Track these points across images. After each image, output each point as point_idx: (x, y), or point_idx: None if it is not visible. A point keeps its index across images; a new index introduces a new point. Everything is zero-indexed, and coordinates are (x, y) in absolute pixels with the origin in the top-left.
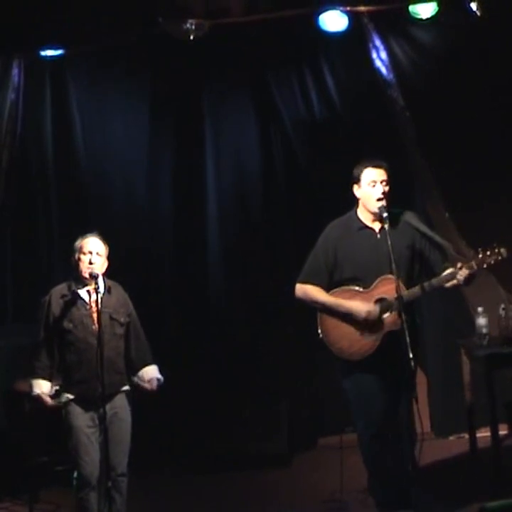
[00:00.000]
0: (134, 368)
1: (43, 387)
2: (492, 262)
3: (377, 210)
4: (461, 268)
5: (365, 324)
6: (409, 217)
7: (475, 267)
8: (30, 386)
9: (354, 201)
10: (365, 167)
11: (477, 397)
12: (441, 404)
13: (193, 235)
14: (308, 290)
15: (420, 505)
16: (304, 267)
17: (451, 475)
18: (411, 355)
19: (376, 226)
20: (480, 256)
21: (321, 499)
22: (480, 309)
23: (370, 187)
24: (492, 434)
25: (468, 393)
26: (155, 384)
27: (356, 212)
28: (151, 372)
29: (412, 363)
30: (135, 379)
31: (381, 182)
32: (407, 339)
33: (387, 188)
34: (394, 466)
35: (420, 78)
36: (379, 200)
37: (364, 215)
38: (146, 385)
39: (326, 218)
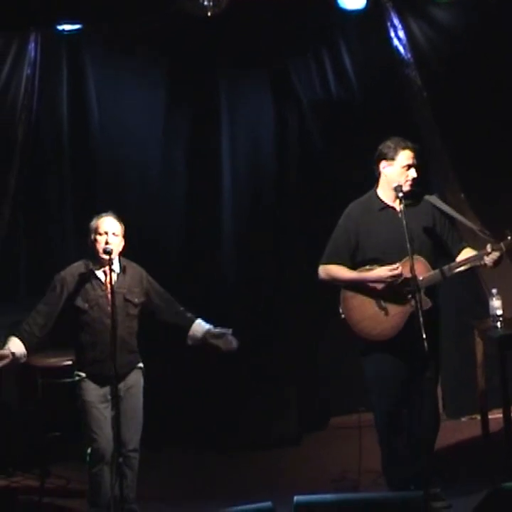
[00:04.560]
0: (184, 330)
1: (17, 347)
2: None
3: (409, 188)
4: (491, 251)
5: (391, 299)
6: (431, 198)
7: (504, 248)
8: (7, 341)
9: (370, 181)
10: (402, 148)
11: (490, 378)
12: (453, 386)
13: (207, 213)
14: (330, 270)
15: (432, 486)
16: (325, 249)
17: (464, 456)
18: (424, 336)
19: (397, 205)
20: (509, 237)
21: (333, 478)
22: (494, 291)
23: (404, 169)
24: (504, 416)
25: (481, 374)
26: (233, 343)
27: (376, 192)
28: (202, 327)
29: (425, 344)
30: (190, 341)
31: (414, 167)
32: (421, 320)
33: (417, 173)
34: (411, 446)
35: (438, 58)
36: (410, 185)
37: (386, 194)
38: (223, 345)
39: (341, 198)
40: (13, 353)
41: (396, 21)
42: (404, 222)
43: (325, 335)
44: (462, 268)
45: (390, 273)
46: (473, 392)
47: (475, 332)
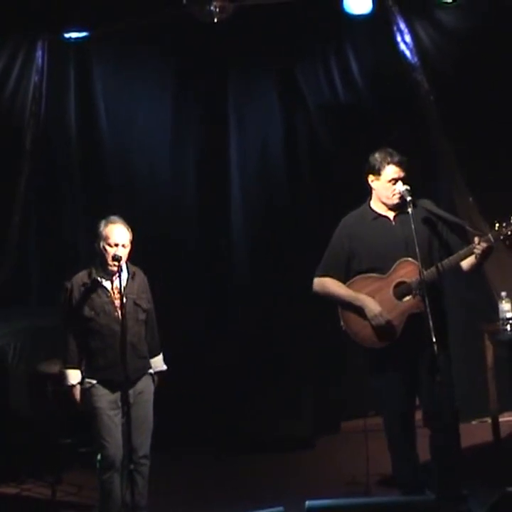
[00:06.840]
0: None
1: (76, 377)
2: (509, 233)
3: (397, 201)
4: (478, 242)
5: (385, 306)
6: (425, 203)
7: (492, 239)
8: (64, 376)
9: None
10: (388, 163)
11: (500, 381)
12: (463, 389)
13: (218, 215)
14: (325, 283)
15: (442, 489)
16: (321, 261)
17: (475, 459)
18: (434, 339)
19: (390, 214)
20: (496, 228)
21: (344, 482)
22: (503, 294)
23: (391, 183)
24: None
25: (491, 378)
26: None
27: (369, 204)
28: (157, 364)
29: (435, 347)
30: None
31: (401, 179)
32: (431, 323)
33: (406, 184)
34: (431, 449)
35: (445, 61)
36: (398, 198)
37: (377, 205)
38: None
39: (349, 200)
40: (75, 387)
41: (402, 25)
42: (413, 226)
43: (340, 338)
44: (455, 264)
45: (371, 316)
46: (484, 396)
47: (485, 335)
